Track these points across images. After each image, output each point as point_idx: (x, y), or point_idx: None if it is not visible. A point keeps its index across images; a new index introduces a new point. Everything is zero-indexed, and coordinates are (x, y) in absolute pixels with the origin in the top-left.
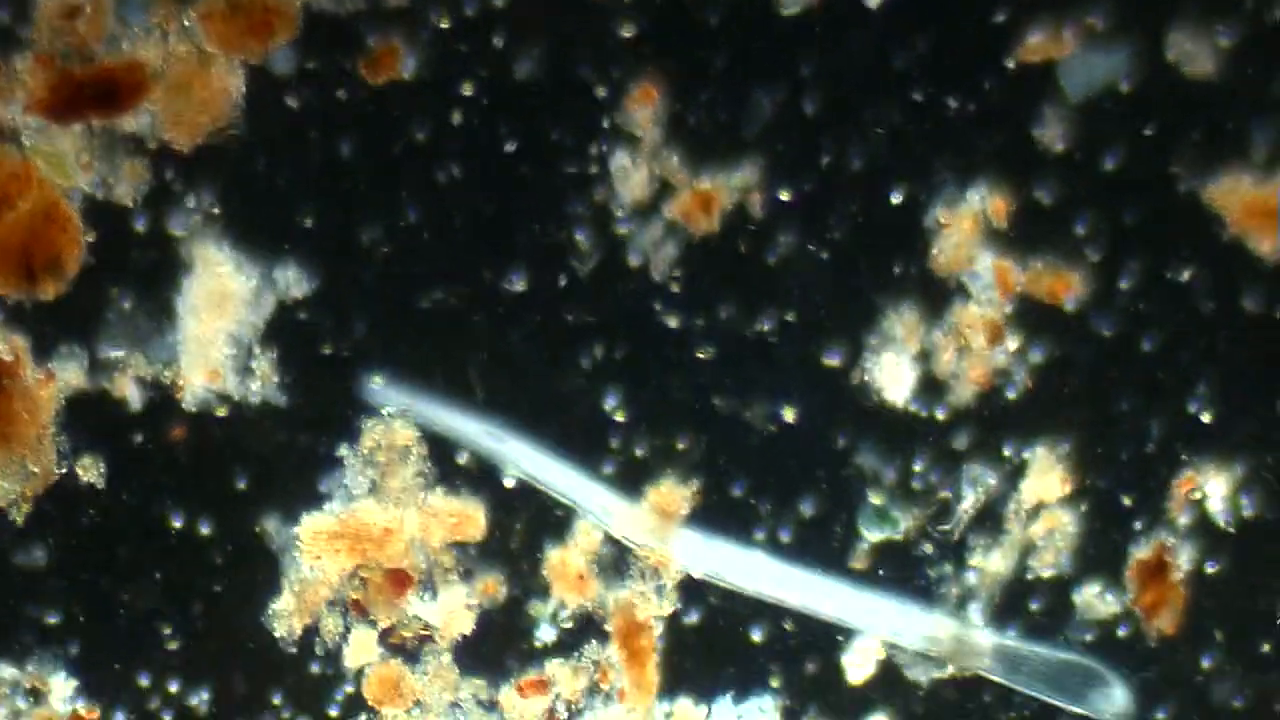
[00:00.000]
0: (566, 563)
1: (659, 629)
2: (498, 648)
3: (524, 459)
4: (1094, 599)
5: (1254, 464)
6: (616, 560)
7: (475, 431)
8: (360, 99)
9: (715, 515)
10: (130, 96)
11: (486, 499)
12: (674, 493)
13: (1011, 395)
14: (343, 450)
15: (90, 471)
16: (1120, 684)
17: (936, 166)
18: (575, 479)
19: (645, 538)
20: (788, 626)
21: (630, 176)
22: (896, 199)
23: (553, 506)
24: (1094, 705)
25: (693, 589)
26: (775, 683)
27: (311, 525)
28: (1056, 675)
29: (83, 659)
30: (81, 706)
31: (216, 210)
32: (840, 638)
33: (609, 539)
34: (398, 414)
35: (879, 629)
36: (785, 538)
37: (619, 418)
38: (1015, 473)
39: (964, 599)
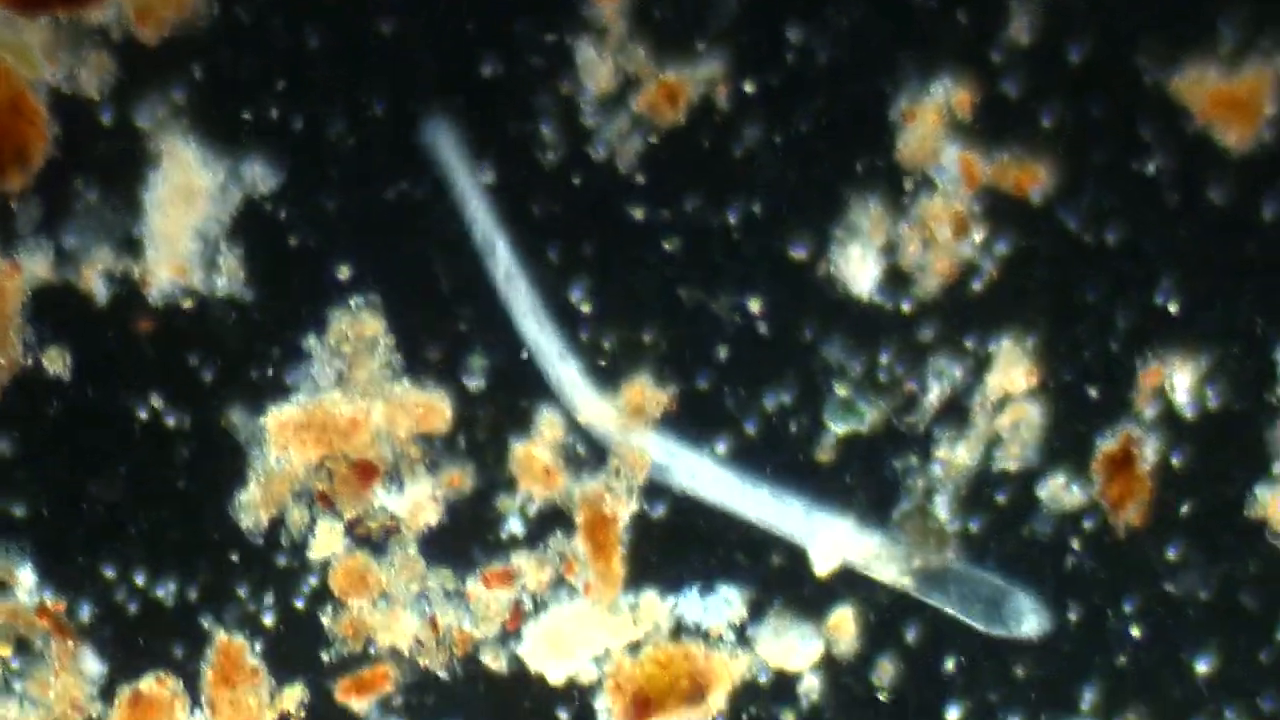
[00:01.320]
0: (532, 456)
1: (625, 522)
2: (464, 540)
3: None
4: (1060, 491)
5: (1220, 355)
6: (587, 453)
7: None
8: None
9: (681, 407)
10: None
11: (452, 391)
12: (648, 392)
13: (977, 287)
14: (310, 341)
15: (56, 363)
16: (1035, 603)
17: (901, 59)
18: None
19: (616, 433)
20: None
21: (596, 69)
22: (861, 92)
23: (518, 398)
24: (1009, 626)
25: (658, 484)
26: (741, 576)
27: (278, 416)
28: (973, 595)
29: (49, 551)
30: (48, 598)
31: (183, 104)
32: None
33: (576, 431)
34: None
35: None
36: (751, 430)
37: (585, 309)
38: (981, 365)
39: (929, 491)
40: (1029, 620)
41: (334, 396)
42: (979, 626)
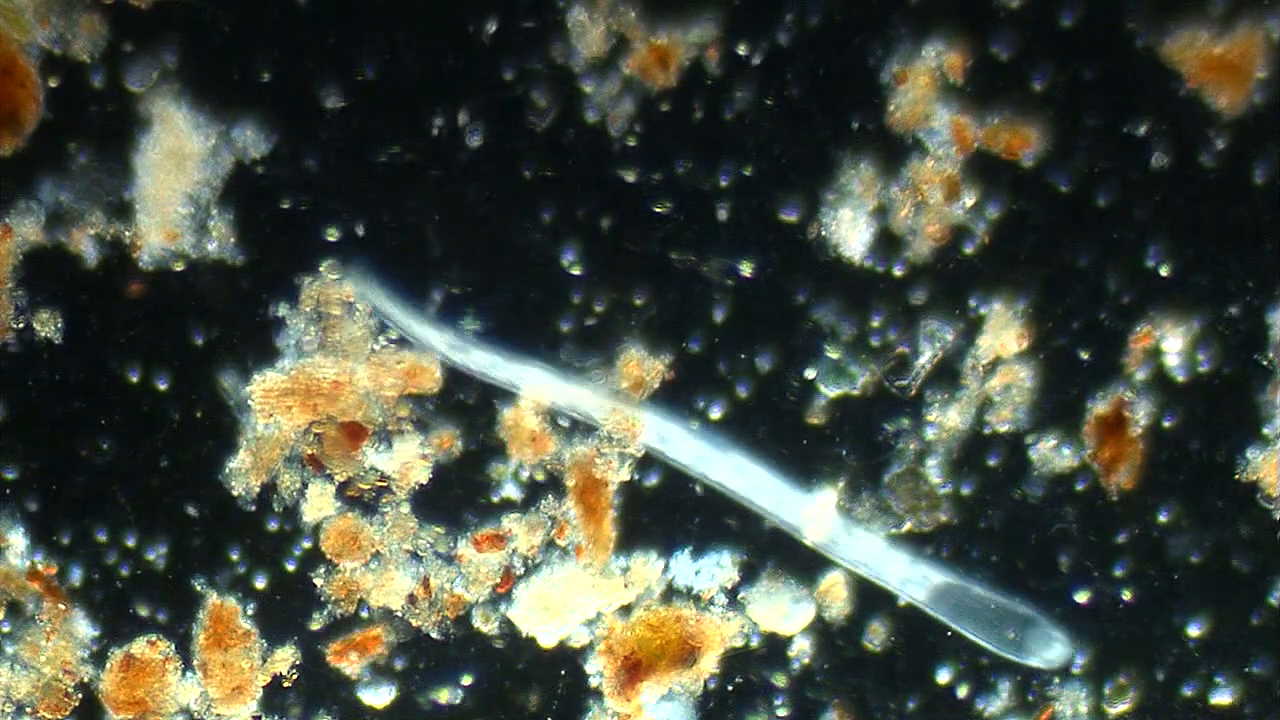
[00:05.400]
0: (520, 421)
1: (616, 485)
2: (455, 500)
3: (490, 367)
4: (1051, 454)
5: (1211, 317)
6: (577, 421)
7: (439, 341)
8: None
9: (671, 370)
10: None
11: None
12: (645, 364)
13: (969, 251)
14: (284, 309)
15: (47, 326)
16: (1060, 634)
17: (892, 21)
18: (547, 378)
19: (611, 407)
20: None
21: (587, 32)
22: (852, 54)
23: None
24: (1032, 653)
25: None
26: (733, 539)
27: (263, 383)
28: (994, 619)
29: (39, 514)
30: (39, 561)
31: (174, 67)
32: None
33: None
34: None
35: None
36: (742, 393)
37: (575, 272)
38: (972, 328)
39: (921, 454)
40: (1052, 649)
41: (317, 360)
42: (994, 649)
